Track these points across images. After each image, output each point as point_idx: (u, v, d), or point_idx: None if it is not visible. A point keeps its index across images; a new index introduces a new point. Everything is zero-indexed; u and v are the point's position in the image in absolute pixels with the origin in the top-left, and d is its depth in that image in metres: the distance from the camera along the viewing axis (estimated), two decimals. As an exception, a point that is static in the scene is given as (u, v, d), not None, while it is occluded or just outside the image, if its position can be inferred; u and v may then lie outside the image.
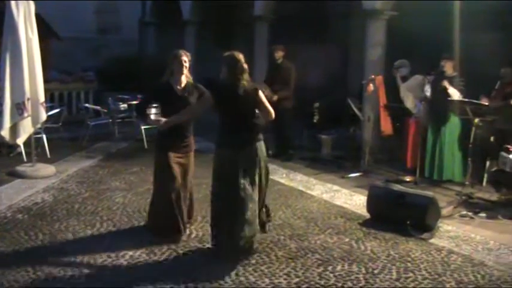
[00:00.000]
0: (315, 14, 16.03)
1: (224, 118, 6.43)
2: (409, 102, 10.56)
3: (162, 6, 20.47)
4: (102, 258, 6.23)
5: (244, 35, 16.47)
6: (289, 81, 11.37)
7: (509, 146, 8.33)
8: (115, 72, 18.58)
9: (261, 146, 6.45)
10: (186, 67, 6.88)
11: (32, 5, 9.54)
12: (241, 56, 6.35)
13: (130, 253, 6.38)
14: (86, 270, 5.92)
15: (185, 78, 6.96)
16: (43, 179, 9.53)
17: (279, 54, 11.42)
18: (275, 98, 11.18)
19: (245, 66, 6.34)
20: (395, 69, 10.86)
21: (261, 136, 6.47)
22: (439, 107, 9.71)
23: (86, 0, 20.04)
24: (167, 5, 19.75)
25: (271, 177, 9.97)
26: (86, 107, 14.01)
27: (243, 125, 6.37)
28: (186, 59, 6.89)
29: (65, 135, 12.50)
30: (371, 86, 10.63)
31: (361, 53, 12.10)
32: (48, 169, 9.99)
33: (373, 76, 10.75)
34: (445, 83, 9.57)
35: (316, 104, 11.82)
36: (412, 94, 10.50)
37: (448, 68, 9.71)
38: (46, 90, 10.64)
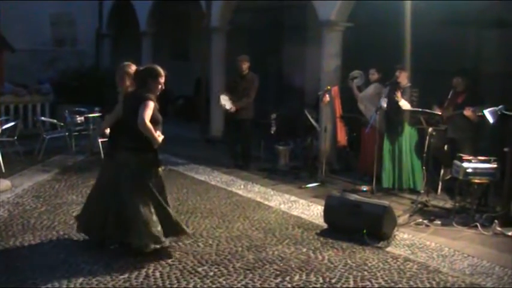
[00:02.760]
0: (271, 25, 16.14)
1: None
2: (365, 111, 10.67)
3: (119, 18, 20.38)
4: (59, 273, 6.15)
5: (200, 46, 16.46)
6: (250, 91, 11.41)
7: (462, 155, 8.49)
8: (71, 84, 18.39)
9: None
10: None
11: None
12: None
13: (88, 268, 6.33)
14: (42, 286, 5.85)
15: None
16: (-3, 194, 9.39)
17: (245, 65, 11.44)
18: (234, 108, 11.23)
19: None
20: (350, 80, 10.97)
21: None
22: (394, 117, 9.86)
23: (42, 12, 19.77)
24: (124, 16, 19.68)
25: (228, 188, 10.09)
26: (42, 120, 13.83)
27: None
28: None
29: (21, 148, 12.30)
30: (327, 97, 10.72)
31: (318, 64, 12.20)
32: (3, 184, 9.81)
33: (329, 87, 10.85)
34: (398, 96, 9.73)
35: (273, 115, 11.86)
36: (369, 103, 10.60)
37: (402, 78, 9.86)
38: (1, 104, 10.50)
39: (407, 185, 9.96)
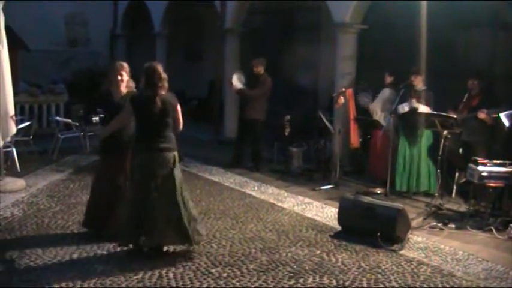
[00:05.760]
0: (285, 27, 16.14)
1: (140, 126, 6.73)
2: (378, 115, 10.66)
3: (133, 18, 20.44)
4: (72, 273, 6.17)
5: (214, 47, 16.50)
6: (261, 88, 11.45)
7: (477, 158, 8.44)
8: (85, 84, 18.44)
9: (174, 156, 6.71)
10: (122, 80, 7.31)
11: (1, 17, 9.45)
12: (159, 67, 6.65)
13: (101, 268, 6.35)
14: (55, 286, 5.87)
15: (124, 88, 7.36)
16: (12, 193, 9.40)
17: (259, 69, 11.51)
18: (237, 87, 11.39)
19: (163, 76, 6.62)
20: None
21: (174, 146, 6.73)
22: (411, 120, 9.81)
23: (57, 13, 19.87)
24: (138, 17, 19.73)
25: (242, 190, 10.09)
26: (57, 120, 13.88)
27: (157, 134, 6.62)
28: (123, 72, 7.31)
29: (35, 148, 12.36)
30: (341, 99, 10.70)
31: (331, 66, 12.18)
32: (18, 183, 9.87)
33: (343, 89, 10.83)
34: (414, 102, 9.71)
35: (287, 117, 11.85)
36: (380, 107, 10.61)
37: (418, 82, 9.83)
38: (16, 103, 10.54)
39: (425, 188, 9.91)
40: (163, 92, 6.58)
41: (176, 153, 6.73)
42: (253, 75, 11.64)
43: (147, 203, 6.54)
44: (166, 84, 6.63)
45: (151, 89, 6.55)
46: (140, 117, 6.68)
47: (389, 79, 10.67)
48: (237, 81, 11.70)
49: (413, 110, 9.76)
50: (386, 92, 10.58)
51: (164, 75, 6.64)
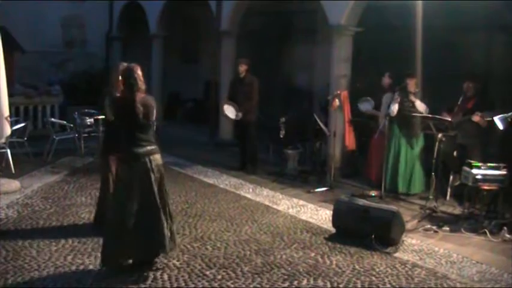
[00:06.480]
0: (281, 29, 16.15)
1: (124, 129, 6.44)
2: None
3: (129, 20, 20.42)
4: (67, 275, 6.18)
5: (210, 49, 16.50)
6: (251, 94, 11.44)
7: (471, 161, 8.46)
8: (81, 86, 18.44)
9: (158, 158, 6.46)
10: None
11: (-4, 18, 9.44)
12: (136, 68, 6.45)
13: (96, 270, 6.35)
14: (50, 287, 5.87)
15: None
16: (7, 194, 9.36)
17: (243, 68, 11.50)
18: (240, 115, 11.31)
19: (141, 78, 6.42)
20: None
21: (157, 147, 6.48)
22: (407, 122, 9.84)
23: (53, 14, 19.83)
24: (134, 19, 19.71)
25: (237, 192, 10.09)
26: (52, 122, 13.86)
27: (138, 137, 6.33)
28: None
29: (30, 150, 12.34)
30: (336, 102, 10.71)
31: (327, 68, 12.18)
32: (12, 184, 9.85)
33: (338, 91, 10.84)
34: (412, 97, 9.77)
35: (283, 119, 11.85)
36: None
37: (412, 85, 9.86)
38: (11, 104, 10.49)
39: (420, 189, 9.96)
40: (142, 94, 6.35)
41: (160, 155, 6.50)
42: (237, 77, 11.65)
43: (140, 213, 6.25)
44: (143, 86, 6.41)
45: (130, 92, 6.32)
46: (122, 120, 6.42)
47: (388, 81, 10.68)
48: (230, 112, 11.65)
49: (409, 109, 9.79)
50: (387, 97, 10.57)
51: (141, 77, 6.45)
